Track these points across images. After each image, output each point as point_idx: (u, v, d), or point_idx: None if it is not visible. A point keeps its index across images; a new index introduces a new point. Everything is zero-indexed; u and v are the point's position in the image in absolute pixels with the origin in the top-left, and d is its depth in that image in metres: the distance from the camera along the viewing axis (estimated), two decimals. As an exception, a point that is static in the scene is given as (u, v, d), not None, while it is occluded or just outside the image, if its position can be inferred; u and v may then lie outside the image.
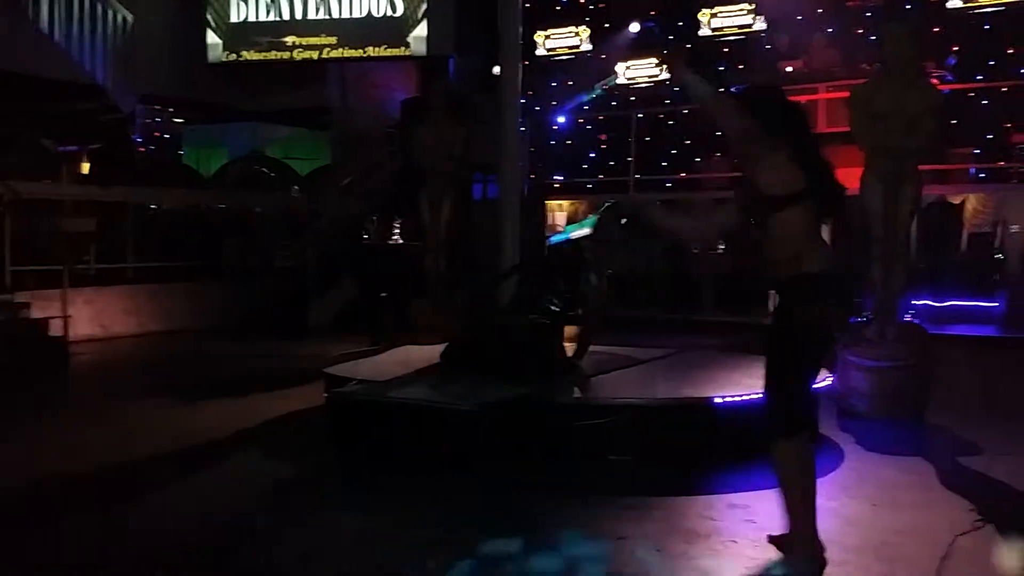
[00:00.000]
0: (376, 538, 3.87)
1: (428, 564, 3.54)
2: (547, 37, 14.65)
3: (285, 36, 13.96)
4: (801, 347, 3.41)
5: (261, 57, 14.08)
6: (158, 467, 5.01)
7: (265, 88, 15.19)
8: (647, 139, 13.11)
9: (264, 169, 14.50)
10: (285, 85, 15.04)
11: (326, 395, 5.56)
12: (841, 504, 4.22)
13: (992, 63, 11.45)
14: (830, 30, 12.68)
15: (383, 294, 9.85)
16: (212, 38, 14.14)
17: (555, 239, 5.79)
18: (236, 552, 3.72)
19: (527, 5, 8.58)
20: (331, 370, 5.88)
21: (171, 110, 16.59)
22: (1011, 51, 11.38)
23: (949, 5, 11.59)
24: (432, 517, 4.12)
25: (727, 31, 13.49)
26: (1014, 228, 10.32)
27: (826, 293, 3.40)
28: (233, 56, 14.14)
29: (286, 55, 14.01)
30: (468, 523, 4.05)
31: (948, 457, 5.08)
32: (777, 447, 3.38)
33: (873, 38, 10.93)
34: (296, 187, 14.38)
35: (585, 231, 5.76)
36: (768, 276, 3.52)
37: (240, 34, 14.10)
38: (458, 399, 5.04)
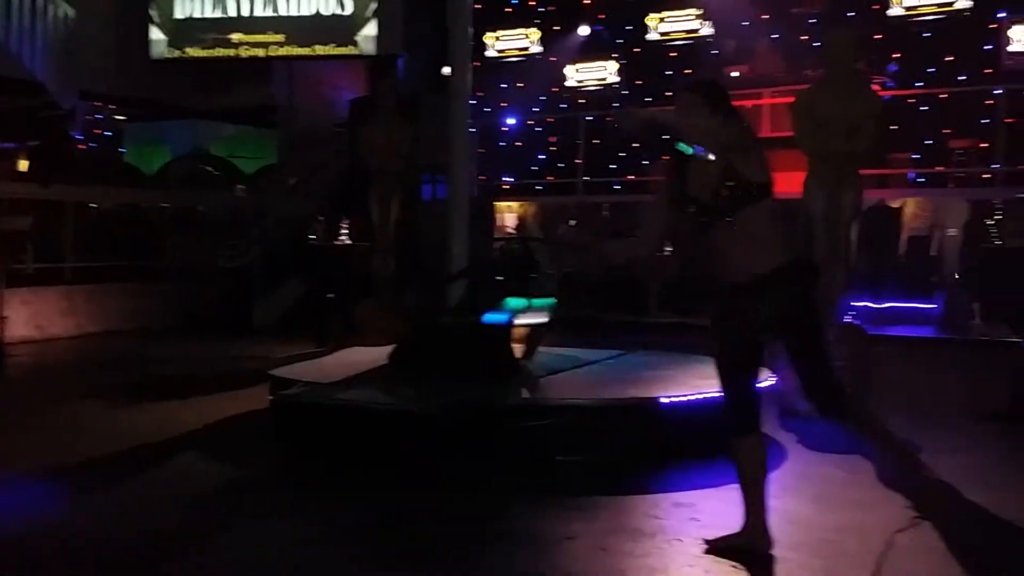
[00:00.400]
0: (319, 543, 3.83)
1: (370, 568, 3.52)
2: (497, 38, 14.66)
3: (231, 33, 13.74)
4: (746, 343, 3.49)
5: (206, 54, 13.85)
6: (98, 469, 4.90)
7: (210, 85, 14.97)
8: (595, 141, 13.20)
9: (208, 167, 14.29)
10: (231, 83, 14.84)
11: (271, 397, 5.50)
12: (783, 502, 4.28)
13: (931, 70, 11.75)
14: (775, 36, 12.89)
15: (330, 295, 9.76)
16: (156, 34, 13.87)
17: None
18: (173, 556, 3.65)
19: (477, 6, 8.57)
20: (277, 372, 5.81)
21: (113, 107, 16.26)
22: (949, 58, 11.68)
23: (890, 13, 11.86)
24: (376, 520, 4.09)
25: (675, 36, 13.64)
26: (951, 231, 10.61)
27: (803, 280, 3.47)
28: (177, 52, 13.88)
29: (232, 52, 13.79)
30: (414, 525, 4.03)
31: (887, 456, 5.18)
32: (733, 444, 3.50)
33: (816, 44, 11.13)
34: (241, 186, 14.19)
35: None
36: (736, 271, 3.42)
37: (184, 30, 13.85)
38: (406, 401, 5.03)
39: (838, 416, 3.56)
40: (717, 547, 3.57)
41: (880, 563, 3.52)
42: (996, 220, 9.97)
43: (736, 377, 3.51)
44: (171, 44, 13.87)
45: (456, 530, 3.97)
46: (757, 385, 3.64)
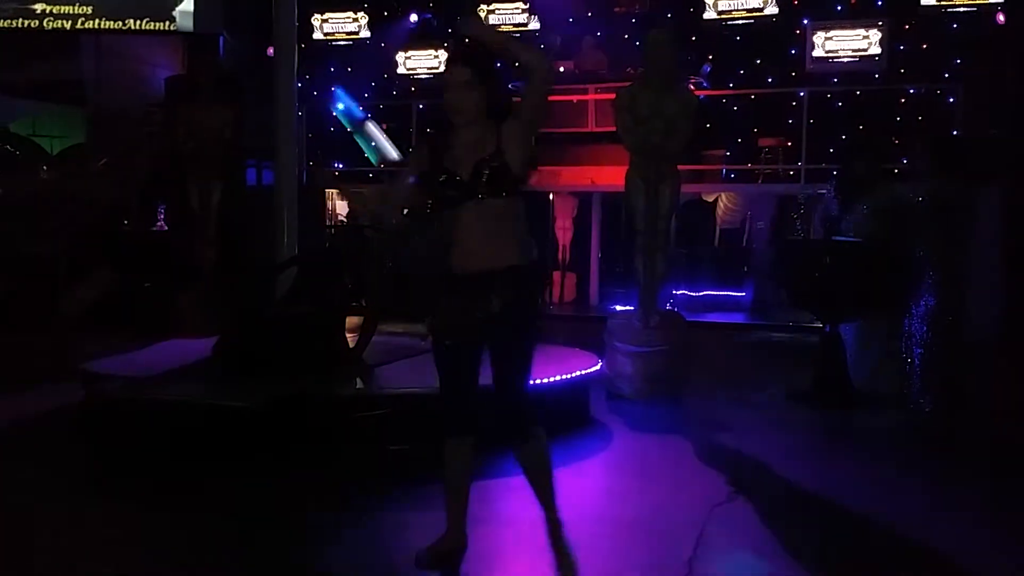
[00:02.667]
0: (130, 548, 3.64)
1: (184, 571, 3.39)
2: (324, 21, 14.31)
3: (33, 3, 12.74)
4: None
5: (5, 25, 12.77)
6: None
7: (9, 58, 13.81)
8: (427, 130, 13.16)
9: (7, 147, 13.20)
10: (33, 56, 13.75)
11: (84, 394, 5.17)
12: (611, 481, 4.46)
13: (742, 72, 12.45)
14: (599, 34, 13.27)
15: (147, 285, 9.27)
16: (-55, 0, 12.64)
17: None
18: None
19: (304, -14, 8.33)
20: (89, 367, 5.46)
21: None
22: (758, 62, 12.42)
23: (705, 16, 12.45)
24: (194, 521, 3.93)
25: (503, 28, 13.78)
26: (760, 224, 11.31)
27: (528, 285, 3.36)
28: (-30, 21, 12.71)
29: (35, 23, 12.79)
30: (236, 526, 3.89)
31: (704, 435, 5.48)
32: (444, 445, 3.42)
33: (638, 44, 11.55)
34: (45, 167, 13.20)
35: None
36: (468, 259, 3.25)
37: (-21, -3, 12.69)
38: (231, 396, 4.84)
39: (509, 439, 3.44)
40: (428, 560, 3.40)
41: (701, 535, 3.72)
42: (800, 213, 10.71)
43: (450, 375, 3.37)
44: (-37, 12, 12.68)
45: (284, 527, 3.88)
46: (472, 386, 3.40)
